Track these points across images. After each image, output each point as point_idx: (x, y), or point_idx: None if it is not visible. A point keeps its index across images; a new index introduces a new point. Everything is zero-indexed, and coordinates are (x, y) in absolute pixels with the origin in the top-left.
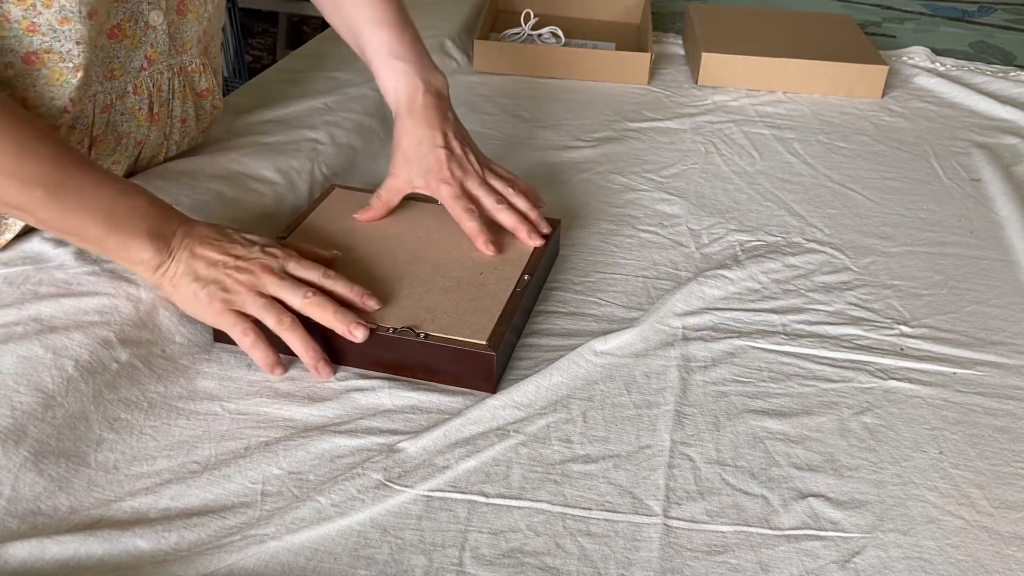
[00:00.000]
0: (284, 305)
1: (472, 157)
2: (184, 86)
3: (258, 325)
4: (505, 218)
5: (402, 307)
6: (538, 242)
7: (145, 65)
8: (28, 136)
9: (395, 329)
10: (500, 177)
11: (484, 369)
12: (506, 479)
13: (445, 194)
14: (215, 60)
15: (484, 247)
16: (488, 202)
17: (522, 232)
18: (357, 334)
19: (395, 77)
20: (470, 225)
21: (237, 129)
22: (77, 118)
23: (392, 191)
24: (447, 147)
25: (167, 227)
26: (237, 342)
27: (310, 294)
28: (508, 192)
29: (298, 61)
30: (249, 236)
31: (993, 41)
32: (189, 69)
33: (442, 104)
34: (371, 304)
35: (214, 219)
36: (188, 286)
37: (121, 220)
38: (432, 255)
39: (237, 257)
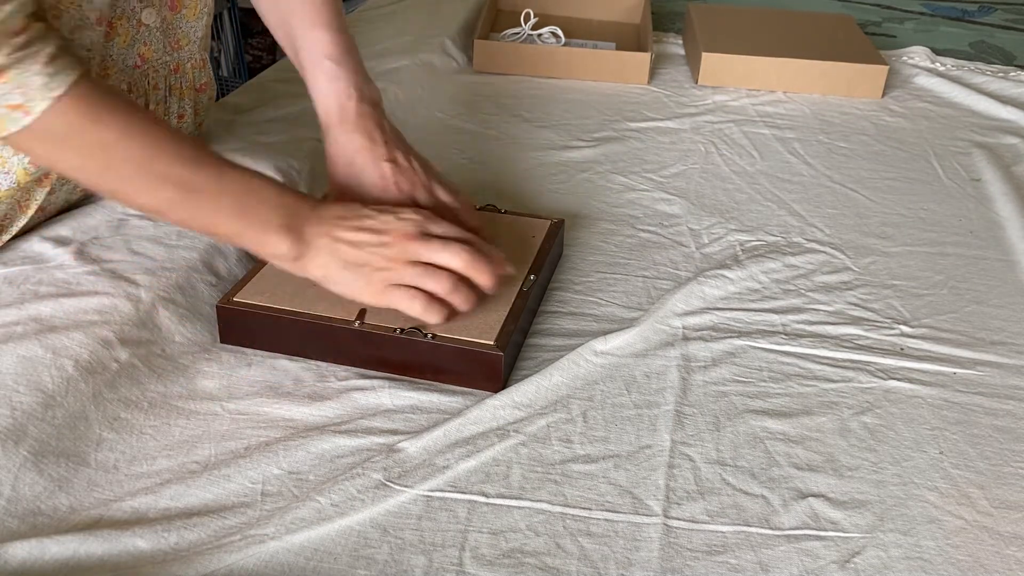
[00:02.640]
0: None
1: (418, 166)
2: (181, 83)
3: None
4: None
5: None
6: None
7: (139, 63)
8: (158, 136)
9: (402, 330)
10: (444, 186)
11: (492, 369)
12: (506, 479)
13: None
14: (205, 52)
15: None
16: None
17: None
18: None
19: (327, 80)
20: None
21: (237, 129)
22: None
23: None
24: (391, 159)
25: (298, 217)
26: (407, 311)
27: (463, 252)
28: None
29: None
30: (377, 207)
31: (993, 41)
32: (188, 66)
33: (376, 113)
34: (509, 269)
35: None
36: (340, 274)
37: (253, 216)
38: None
39: (376, 232)
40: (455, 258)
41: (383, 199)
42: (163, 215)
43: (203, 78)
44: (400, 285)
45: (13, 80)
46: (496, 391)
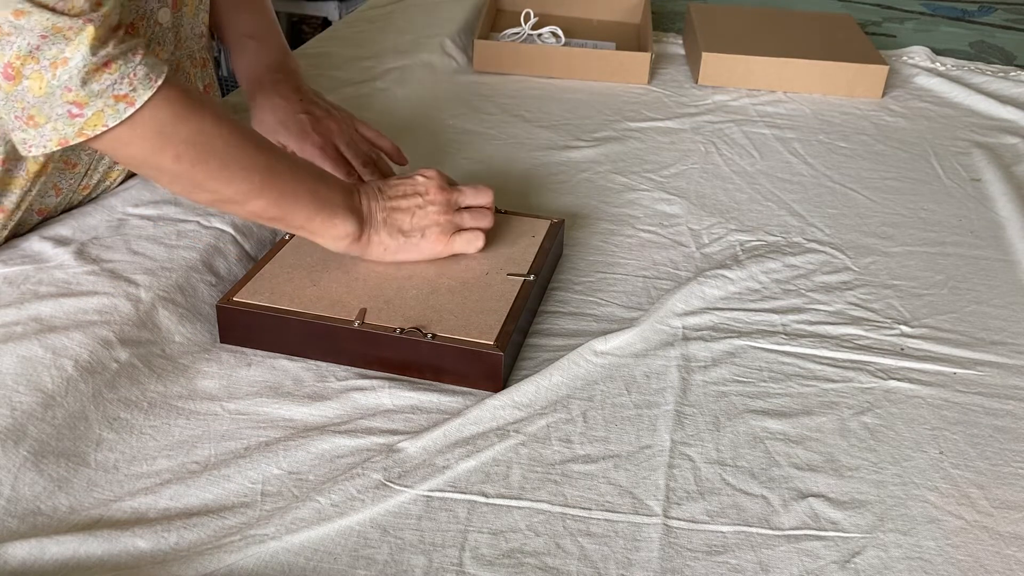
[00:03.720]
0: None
1: (336, 114)
2: (183, 81)
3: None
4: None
5: (408, 307)
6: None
7: None
8: (238, 125)
9: (402, 330)
10: (365, 137)
11: (491, 369)
12: (506, 479)
13: (319, 159)
14: (205, 51)
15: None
16: (356, 162)
17: None
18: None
19: (247, 55)
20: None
21: None
22: None
23: None
24: (307, 112)
25: (353, 198)
26: (472, 251)
27: (484, 188)
28: (373, 154)
29: (297, 61)
30: (397, 176)
31: (993, 41)
32: (188, 64)
33: (292, 79)
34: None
35: (212, 218)
36: (403, 241)
37: (325, 198)
38: None
39: (416, 195)
40: (484, 196)
41: (307, 148)
42: (242, 204)
43: (206, 79)
44: (457, 234)
45: (119, 71)
46: (496, 391)
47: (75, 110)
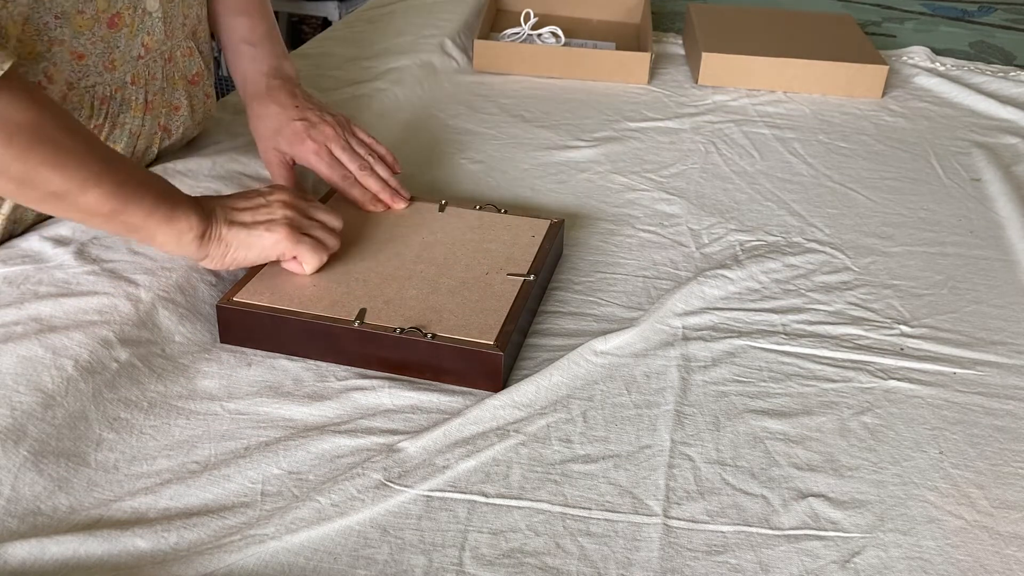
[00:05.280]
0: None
1: (330, 119)
2: (175, 72)
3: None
4: (371, 183)
5: (408, 307)
6: (402, 205)
7: (143, 53)
8: (76, 122)
9: (402, 330)
10: (362, 142)
11: (491, 369)
12: (506, 479)
13: (315, 164)
14: (204, 45)
15: (387, 203)
16: (352, 167)
17: (386, 195)
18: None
19: (243, 61)
20: (355, 193)
21: (237, 129)
22: (74, 109)
23: (280, 170)
24: (303, 118)
25: (194, 197)
26: (310, 260)
27: (337, 213)
28: (370, 159)
29: (297, 61)
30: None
31: (993, 41)
32: (178, 54)
33: (288, 85)
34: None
35: None
36: (247, 234)
37: (166, 191)
38: (436, 256)
39: (261, 195)
40: (335, 219)
41: (303, 154)
42: (77, 196)
43: (194, 68)
44: (305, 236)
45: None
46: (496, 391)
47: None
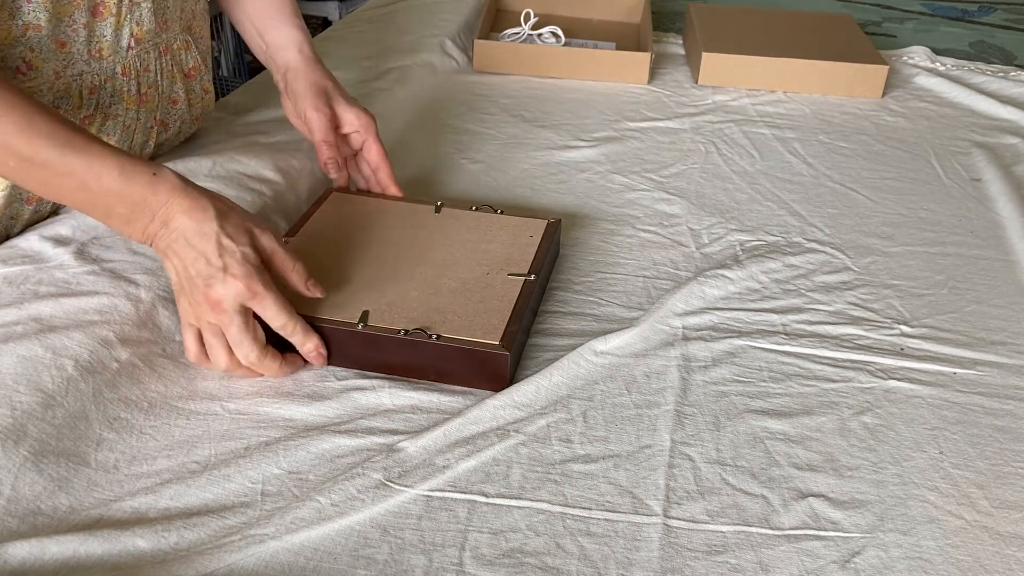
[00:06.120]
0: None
1: (357, 121)
2: (172, 65)
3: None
4: (358, 179)
5: (411, 309)
6: (394, 191)
7: (132, 44)
8: (36, 106)
9: (406, 331)
10: (366, 160)
11: (497, 369)
12: (506, 479)
13: (348, 120)
14: (201, 41)
15: (342, 183)
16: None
17: (343, 180)
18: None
19: (286, 28)
20: (330, 162)
21: (237, 129)
22: (62, 98)
23: (322, 122)
24: (333, 107)
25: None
26: (211, 362)
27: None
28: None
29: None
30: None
31: (993, 41)
32: (175, 47)
33: (335, 82)
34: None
35: None
36: (176, 286)
37: (128, 159)
38: (437, 257)
39: (208, 263)
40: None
41: (345, 114)
42: (29, 161)
43: (190, 62)
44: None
45: None
46: (501, 391)
47: None
